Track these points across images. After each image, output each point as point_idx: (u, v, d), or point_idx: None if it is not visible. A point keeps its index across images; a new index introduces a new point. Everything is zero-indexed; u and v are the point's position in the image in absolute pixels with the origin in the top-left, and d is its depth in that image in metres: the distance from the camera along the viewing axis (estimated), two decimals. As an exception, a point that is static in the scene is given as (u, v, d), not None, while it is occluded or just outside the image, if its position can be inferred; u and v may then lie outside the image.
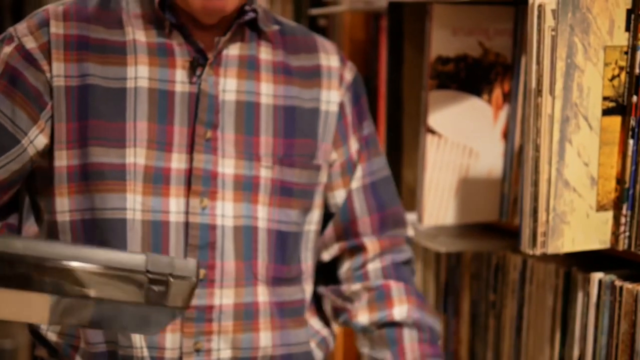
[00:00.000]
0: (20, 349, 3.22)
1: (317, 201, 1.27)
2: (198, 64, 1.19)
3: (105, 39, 1.17)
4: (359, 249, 1.30)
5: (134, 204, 1.16)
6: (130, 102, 1.16)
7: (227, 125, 1.20)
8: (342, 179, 1.30)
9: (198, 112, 1.18)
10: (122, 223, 1.16)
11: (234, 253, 1.19)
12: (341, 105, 1.28)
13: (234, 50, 1.22)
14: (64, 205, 1.17)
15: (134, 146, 1.17)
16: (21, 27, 1.18)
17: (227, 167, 1.20)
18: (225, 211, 1.20)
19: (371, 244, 1.30)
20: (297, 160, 1.24)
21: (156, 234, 1.17)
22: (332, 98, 1.28)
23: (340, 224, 1.30)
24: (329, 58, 1.30)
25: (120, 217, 1.16)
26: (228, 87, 1.20)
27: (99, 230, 1.17)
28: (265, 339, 1.22)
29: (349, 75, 1.31)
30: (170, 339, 1.17)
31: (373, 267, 1.30)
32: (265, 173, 1.22)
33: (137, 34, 1.18)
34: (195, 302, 1.17)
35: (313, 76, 1.27)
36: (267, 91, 1.23)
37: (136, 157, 1.17)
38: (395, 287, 1.28)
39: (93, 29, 1.17)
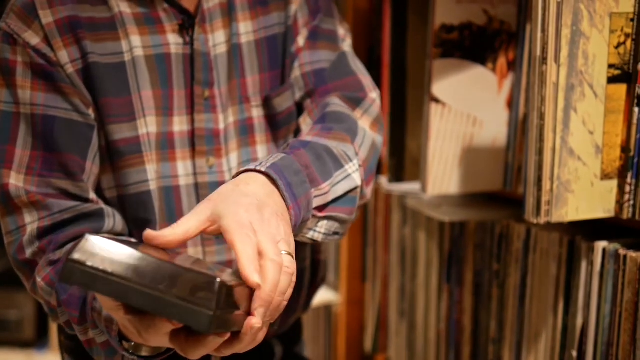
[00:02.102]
0: (26, 320, 3.23)
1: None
2: (188, 25, 1.18)
3: (94, 17, 1.15)
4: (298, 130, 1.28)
5: (153, 174, 1.16)
6: (132, 74, 1.15)
7: (222, 79, 1.20)
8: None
9: (194, 73, 1.18)
10: (147, 195, 1.16)
11: None
12: (295, 15, 1.26)
13: (213, 1, 1.21)
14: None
15: (144, 116, 1.16)
16: (14, 23, 1.13)
17: (227, 119, 1.20)
18: (231, 164, 1.21)
19: (305, 124, 1.25)
20: (274, 91, 1.23)
21: (169, 199, 1.18)
22: (291, 12, 1.25)
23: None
24: None
25: (145, 190, 1.16)
26: (217, 40, 1.20)
27: (128, 207, 1.17)
28: None
29: None
30: None
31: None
32: (257, 113, 1.22)
33: (122, 6, 1.15)
34: (214, 258, 1.20)
35: None
36: (245, 29, 1.22)
37: (147, 126, 1.16)
38: (305, 131, 1.23)
39: (80, 8, 1.14)
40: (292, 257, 0.95)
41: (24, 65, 1.12)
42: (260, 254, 0.92)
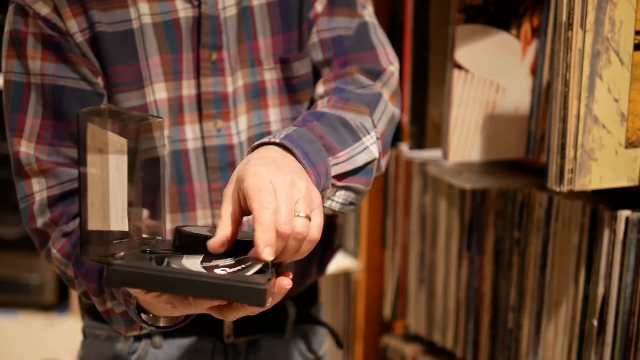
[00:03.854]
0: (47, 284, 3.26)
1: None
2: None
3: None
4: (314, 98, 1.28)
5: (164, 140, 1.17)
6: (140, 42, 1.16)
7: (232, 42, 1.20)
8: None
9: (201, 36, 1.17)
10: (156, 162, 1.17)
11: None
12: None
13: None
14: None
15: (151, 84, 1.17)
16: None
17: (236, 82, 1.20)
18: (240, 127, 1.21)
19: (320, 93, 1.24)
20: (294, 55, 1.22)
21: (177, 163, 1.19)
22: None
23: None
24: None
25: (155, 157, 1.16)
26: (227, 3, 1.19)
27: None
28: None
29: None
30: None
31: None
32: (269, 76, 1.22)
33: None
34: None
35: None
36: None
37: (155, 94, 1.17)
38: (320, 102, 1.22)
39: None
40: (310, 218, 0.96)
41: (35, 37, 1.14)
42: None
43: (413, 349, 1.78)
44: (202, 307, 0.95)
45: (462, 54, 1.41)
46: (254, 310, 0.95)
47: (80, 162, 0.92)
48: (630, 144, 1.20)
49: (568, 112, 1.17)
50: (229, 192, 0.96)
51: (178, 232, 1.01)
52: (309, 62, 1.24)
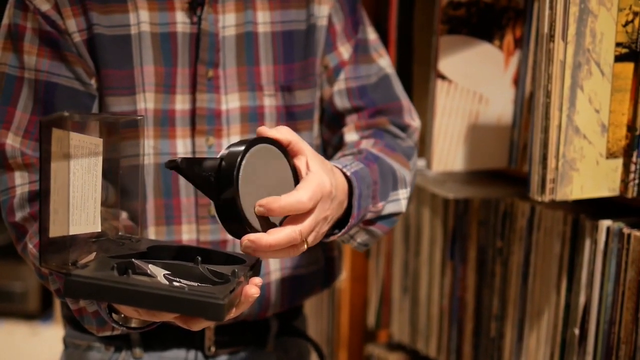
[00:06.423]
0: (31, 292, 3.25)
1: (317, 115, 1.30)
2: (197, 3, 1.18)
3: None
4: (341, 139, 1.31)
5: (147, 149, 1.17)
6: (136, 48, 1.16)
7: (229, 61, 1.21)
8: (329, 85, 1.29)
9: (199, 52, 1.18)
10: (136, 169, 1.17)
11: None
12: (329, 17, 1.26)
13: None
14: None
15: (143, 91, 1.17)
16: None
17: (231, 102, 1.21)
18: None
19: (350, 136, 1.29)
20: (297, 83, 1.24)
21: (166, 176, 1.19)
22: (322, 12, 1.25)
23: (328, 121, 1.31)
24: None
25: (136, 163, 1.17)
26: (227, 22, 1.20)
27: (119, 178, 1.18)
28: None
29: None
30: None
31: (349, 139, 1.30)
32: (269, 102, 1.23)
33: None
34: (208, 237, 1.21)
35: None
36: (264, 19, 1.22)
37: (146, 102, 1.17)
38: (365, 141, 1.26)
39: None
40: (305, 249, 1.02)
41: (33, 31, 1.14)
42: (299, 219, 0.99)
43: (396, 358, 1.78)
44: (165, 316, 0.96)
45: (445, 64, 1.42)
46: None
47: (42, 172, 0.91)
48: (611, 154, 1.21)
49: (549, 122, 1.18)
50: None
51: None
52: (313, 93, 1.26)
